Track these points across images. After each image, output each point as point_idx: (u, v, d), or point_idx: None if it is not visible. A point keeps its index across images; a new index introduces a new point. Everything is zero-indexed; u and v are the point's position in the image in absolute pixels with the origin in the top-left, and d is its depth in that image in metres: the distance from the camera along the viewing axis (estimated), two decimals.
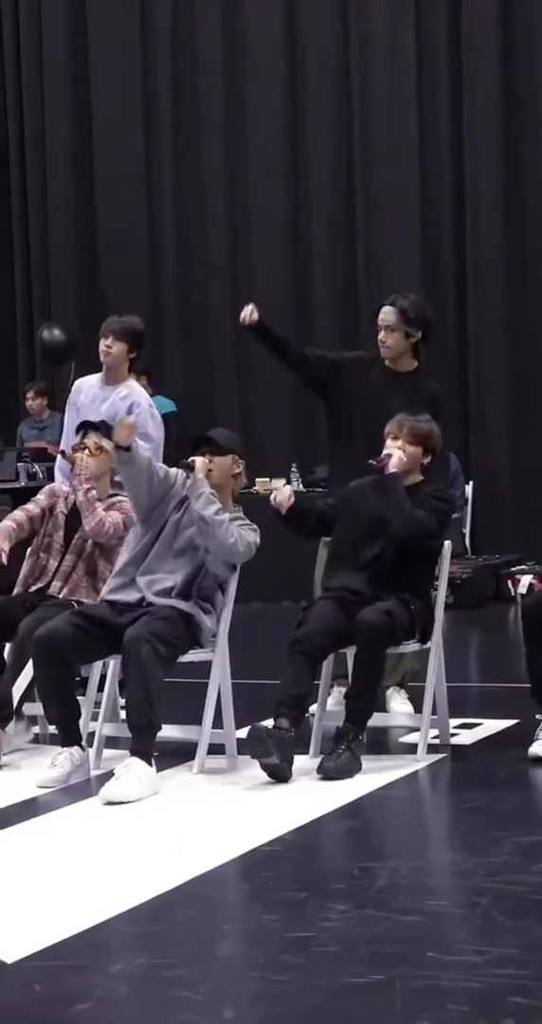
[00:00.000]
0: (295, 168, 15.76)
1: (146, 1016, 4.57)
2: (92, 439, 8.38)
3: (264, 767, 7.18)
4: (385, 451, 7.70)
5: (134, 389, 9.38)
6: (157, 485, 7.71)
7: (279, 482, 7.60)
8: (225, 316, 15.90)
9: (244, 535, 7.58)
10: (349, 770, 7.29)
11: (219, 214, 16.02)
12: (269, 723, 7.28)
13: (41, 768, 7.52)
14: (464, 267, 15.13)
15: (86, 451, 8.34)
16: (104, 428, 8.46)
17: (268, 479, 14.03)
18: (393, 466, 7.64)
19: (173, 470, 7.81)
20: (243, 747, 7.58)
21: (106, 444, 8.29)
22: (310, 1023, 4.39)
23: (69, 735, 7.53)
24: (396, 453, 7.67)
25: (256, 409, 15.72)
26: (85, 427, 8.52)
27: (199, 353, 15.95)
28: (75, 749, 7.50)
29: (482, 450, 14.75)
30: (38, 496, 8.69)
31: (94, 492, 8.28)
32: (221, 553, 7.53)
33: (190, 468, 7.65)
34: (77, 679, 7.84)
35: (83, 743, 7.60)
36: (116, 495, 8.44)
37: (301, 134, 15.76)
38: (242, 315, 8.52)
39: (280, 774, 7.17)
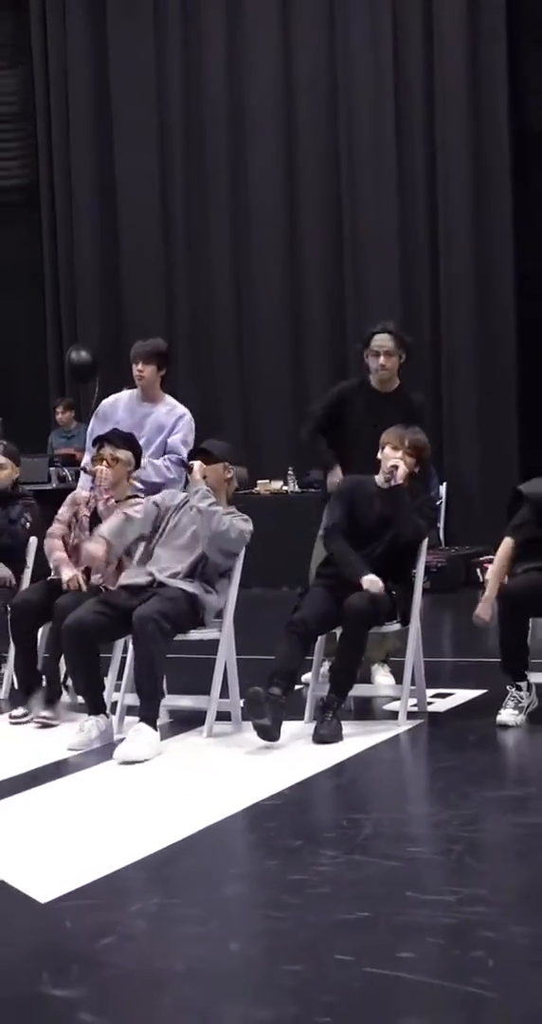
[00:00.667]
0: (290, 217, 15.76)
1: (162, 949, 4.57)
2: (107, 451, 8.36)
3: (256, 727, 7.18)
4: (390, 463, 7.65)
5: (175, 405, 9.23)
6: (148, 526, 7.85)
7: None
8: (229, 341, 15.96)
9: (236, 523, 7.62)
10: (337, 734, 7.31)
11: (225, 256, 16.02)
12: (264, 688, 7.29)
13: (71, 733, 7.53)
14: (438, 295, 15.14)
15: (104, 463, 8.32)
16: (117, 438, 8.45)
17: (268, 480, 14.06)
18: (400, 477, 7.62)
19: (151, 507, 7.87)
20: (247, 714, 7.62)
21: (120, 454, 8.30)
22: (306, 955, 4.39)
23: (95, 705, 7.55)
24: (401, 465, 7.65)
25: (257, 419, 15.73)
26: (100, 441, 8.51)
27: (207, 372, 15.94)
28: (100, 717, 7.52)
29: (454, 455, 14.76)
30: (61, 510, 8.58)
31: (113, 500, 8.27)
32: (216, 539, 7.55)
33: (189, 470, 7.75)
34: None
35: (107, 712, 7.61)
36: (134, 496, 8.42)
37: (295, 189, 15.75)
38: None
39: (269, 734, 7.16)
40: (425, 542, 7.98)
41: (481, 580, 13.36)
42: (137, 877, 5.27)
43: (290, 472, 14.13)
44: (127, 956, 4.49)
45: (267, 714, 7.14)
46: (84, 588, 8.08)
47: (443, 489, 14.47)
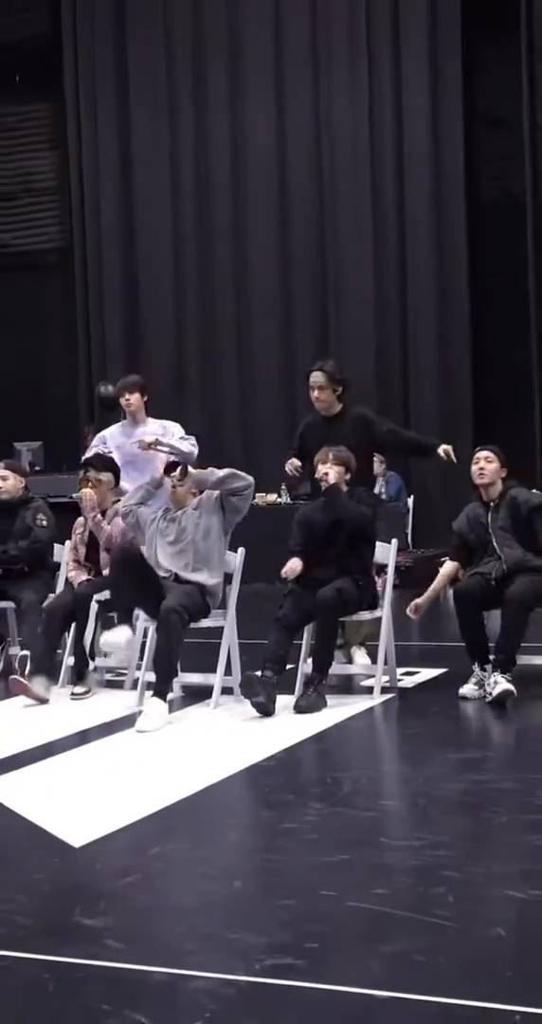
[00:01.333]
0: (282, 269, 15.80)
1: (177, 886, 4.57)
2: (92, 474, 8.41)
3: (253, 704, 7.19)
4: (321, 472, 7.73)
5: (162, 424, 9.19)
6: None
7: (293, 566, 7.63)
8: (232, 377, 15.97)
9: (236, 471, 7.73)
10: (316, 706, 7.30)
11: (229, 304, 16.03)
12: (258, 672, 7.30)
13: (114, 702, 7.65)
14: (406, 331, 15.20)
15: (89, 484, 8.35)
16: (98, 462, 8.51)
17: (265, 493, 14.05)
18: (332, 479, 7.68)
19: (145, 511, 7.89)
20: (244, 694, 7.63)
21: (102, 476, 8.35)
22: (297, 890, 4.39)
23: (128, 615, 7.66)
24: (330, 472, 7.69)
25: (255, 443, 15.71)
26: (85, 465, 8.56)
27: (213, 402, 15.94)
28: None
29: (419, 471, 14.77)
30: (73, 540, 8.68)
31: (99, 516, 8.27)
32: (244, 487, 7.65)
33: (184, 473, 7.77)
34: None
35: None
36: (116, 500, 8.44)
37: (287, 245, 15.79)
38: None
39: (265, 710, 7.17)
40: (395, 544, 7.98)
41: None
42: (155, 826, 5.27)
43: (283, 487, 14.14)
44: (147, 892, 4.49)
45: (261, 693, 7.16)
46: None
47: (410, 500, 14.51)
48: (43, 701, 7.86)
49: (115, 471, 8.55)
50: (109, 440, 9.25)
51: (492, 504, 7.73)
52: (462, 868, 4.50)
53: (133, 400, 9.16)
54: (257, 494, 13.94)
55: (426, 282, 15.07)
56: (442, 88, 14.98)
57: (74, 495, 8.96)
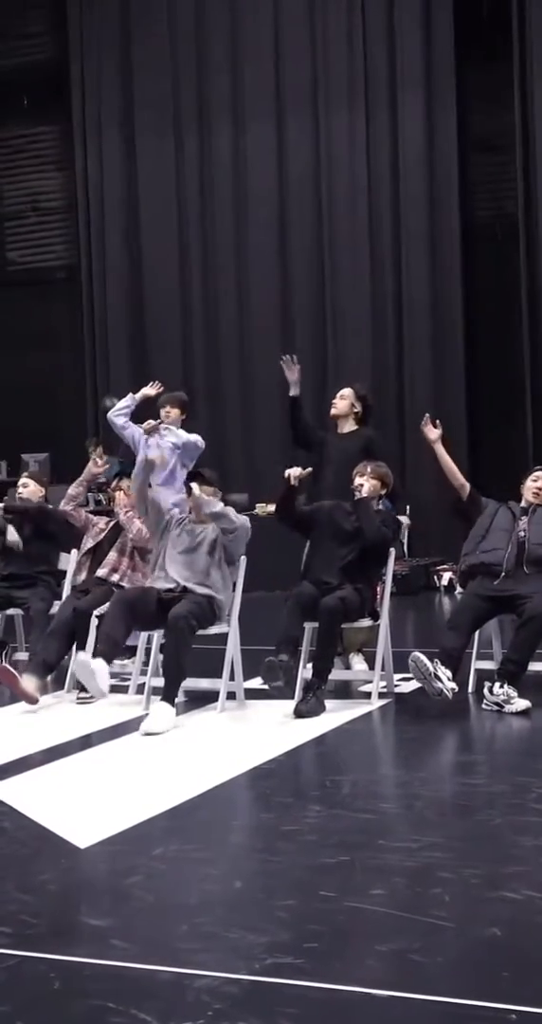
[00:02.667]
0: (283, 292, 15.82)
1: (179, 886, 4.54)
2: (125, 483, 8.67)
3: (273, 689, 7.18)
4: (357, 482, 7.78)
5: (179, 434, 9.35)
6: (156, 511, 7.88)
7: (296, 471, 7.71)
8: (235, 393, 15.98)
9: (237, 516, 7.73)
10: (316, 711, 7.28)
11: (232, 324, 16.05)
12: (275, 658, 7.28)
13: (114, 706, 7.57)
14: (402, 355, 15.20)
15: (122, 492, 8.56)
16: (131, 471, 8.61)
17: (265, 504, 14.05)
18: (365, 492, 7.70)
19: (176, 511, 7.98)
20: (250, 694, 7.67)
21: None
22: (295, 891, 4.37)
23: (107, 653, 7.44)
24: (365, 484, 7.73)
25: (256, 456, 15.73)
26: (119, 475, 8.75)
27: (217, 418, 15.94)
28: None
29: (415, 483, 14.75)
30: (94, 525, 8.79)
31: (131, 512, 8.42)
32: (241, 532, 7.65)
33: (189, 491, 7.80)
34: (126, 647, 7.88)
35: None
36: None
37: (287, 270, 15.81)
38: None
39: (286, 694, 7.21)
40: (392, 553, 7.98)
41: (437, 585, 13.40)
42: (158, 827, 5.25)
43: None
44: (150, 891, 4.46)
45: (281, 677, 7.16)
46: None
47: (407, 510, 14.51)
48: (30, 700, 7.78)
49: None
50: (144, 438, 9.29)
51: (531, 509, 7.76)
52: (458, 869, 4.48)
53: (173, 415, 9.27)
54: (257, 504, 14.03)
55: (421, 303, 15.10)
56: (436, 113, 15.01)
57: (105, 493, 9.27)
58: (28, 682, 7.82)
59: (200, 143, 16.23)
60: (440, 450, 8.08)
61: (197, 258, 16.29)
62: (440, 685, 7.12)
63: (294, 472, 7.66)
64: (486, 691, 7.27)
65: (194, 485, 7.78)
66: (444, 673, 7.16)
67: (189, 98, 16.27)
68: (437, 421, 8.18)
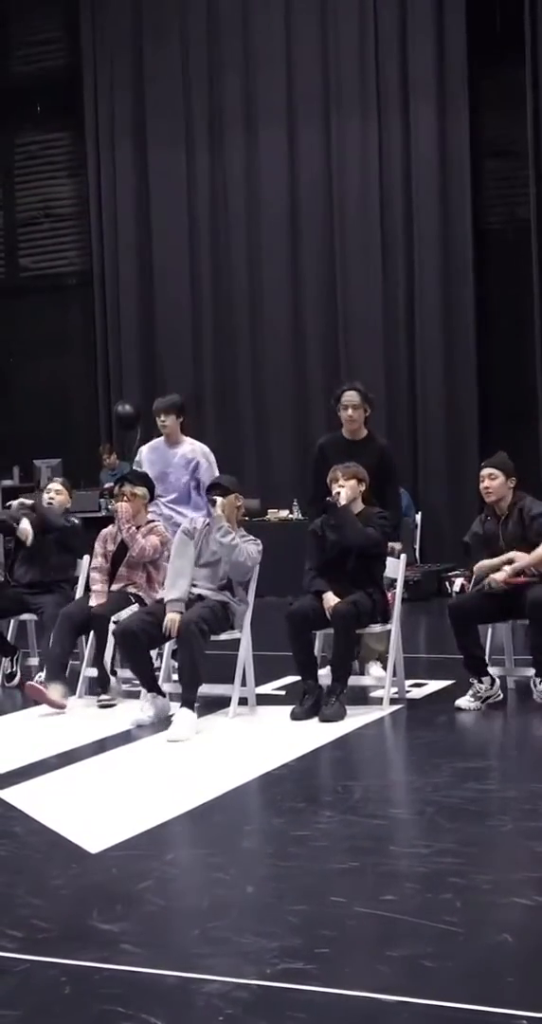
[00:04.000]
0: (294, 298, 15.78)
1: (191, 890, 4.55)
2: (127, 488, 8.39)
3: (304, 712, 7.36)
4: (334, 490, 7.69)
5: (195, 447, 9.26)
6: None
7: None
8: (247, 399, 15.95)
9: (248, 549, 7.65)
10: (340, 715, 7.30)
11: (244, 329, 15.99)
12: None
13: (134, 710, 7.58)
14: (414, 358, 15.19)
15: (124, 498, 8.34)
16: (135, 477, 8.51)
17: (277, 510, 14.06)
18: (343, 499, 7.64)
19: (200, 521, 7.91)
20: (262, 699, 7.72)
21: (138, 490, 8.33)
22: (307, 896, 4.37)
23: (150, 687, 7.59)
24: (342, 490, 7.65)
25: (268, 461, 15.71)
26: (121, 480, 8.55)
27: (229, 423, 15.92)
28: (157, 696, 7.58)
29: (427, 489, 14.76)
30: (96, 547, 8.54)
31: (134, 528, 8.24)
32: (236, 567, 7.62)
33: (213, 503, 7.75)
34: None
35: (162, 692, 7.65)
36: (151, 521, 8.44)
37: (299, 276, 15.77)
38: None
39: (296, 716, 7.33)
40: (404, 559, 7.97)
41: (449, 591, 13.40)
42: (170, 832, 5.26)
43: (295, 503, 14.14)
44: (162, 896, 4.47)
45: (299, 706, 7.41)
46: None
47: (418, 517, 14.49)
48: (60, 707, 7.82)
49: (150, 487, 8.53)
50: (144, 455, 9.26)
51: (503, 517, 7.71)
52: (469, 875, 4.48)
53: (169, 422, 9.14)
54: (269, 510, 14.03)
55: (433, 307, 15.06)
56: (448, 118, 14.96)
57: (109, 506, 8.97)
58: (54, 691, 7.85)
59: (212, 150, 16.23)
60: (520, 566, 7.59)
61: (209, 264, 16.29)
62: None
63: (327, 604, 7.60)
64: (532, 684, 7.47)
65: (218, 499, 7.76)
66: None
67: (201, 105, 16.28)
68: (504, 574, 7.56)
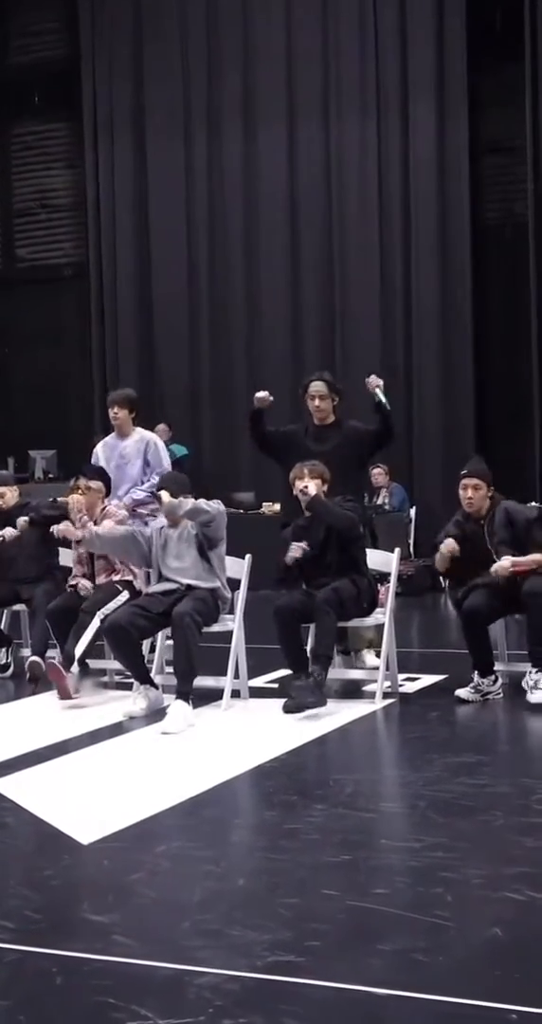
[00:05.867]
0: (293, 293, 15.80)
1: (182, 883, 4.54)
2: (82, 482, 8.40)
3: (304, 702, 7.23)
4: (298, 488, 7.62)
5: (143, 434, 9.37)
6: (133, 546, 7.81)
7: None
8: (242, 394, 15.84)
9: (212, 504, 7.70)
10: (309, 694, 7.17)
11: (240, 323, 16.02)
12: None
13: (125, 703, 7.54)
14: (411, 355, 15.20)
15: (79, 491, 8.33)
16: (90, 471, 8.53)
17: (271, 503, 14.06)
18: (312, 491, 7.60)
19: (147, 530, 7.97)
20: (255, 692, 7.70)
21: (93, 484, 8.34)
22: (298, 890, 4.36)
23: (143, 678, 7.57)
24: (309, 486, 7.60)
25: (263, 456, 15.65)
26: (77, 474, 8.55)
27: (224, 418, 15.93)
28: (149, 687, 7.55)
29: (422, 485, 14.78)
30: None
31: (85, 518, 8.16)
32: (202, 519, 7.59)
33: (159, 499, 7.77)
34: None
35: (155, 683, 7.62)
36: (105, 507, 8.44)
37: (297, 271, 15.79)
38: (259, 396, 8.44)
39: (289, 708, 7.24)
40: (398, 554, 7.97)
41: (443, 586, 13.38)
42: (161, 824, 5.25)
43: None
44: (153, 888, 4.47)
45: (291, 696, 7.29)
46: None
47: (413, 512, 14.51)
48: (68, 698, 7.76)
49: (106, 480, 8.59)
50: (100, 451, 9.32)
51: (483, 522, 7.70)
52: (460, 869, 4.47)
53: (121, 415, 9.26)
54: (263, 503, 14.02)
55: (431, 303, 15.08)
56: (447, 116, 14.97)
57: (60, 499, 8.95)
58: (71, 680, 7.79)
59: (210, 143, 16.21)
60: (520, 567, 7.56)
61: (206, 257, 16.28)
62: None
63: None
64: (525, 684, 7.45)
65: (163, 493, 7.75)
66: None
67: (199, 99, 16.26)
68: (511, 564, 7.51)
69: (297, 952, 3.77)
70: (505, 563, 7.45)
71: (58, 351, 17.25)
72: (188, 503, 7.63)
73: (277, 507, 14.10)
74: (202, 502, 7.70)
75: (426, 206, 15.10)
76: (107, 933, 3.98)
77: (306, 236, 15.76)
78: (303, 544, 7.63)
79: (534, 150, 14.42)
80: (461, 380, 14.95)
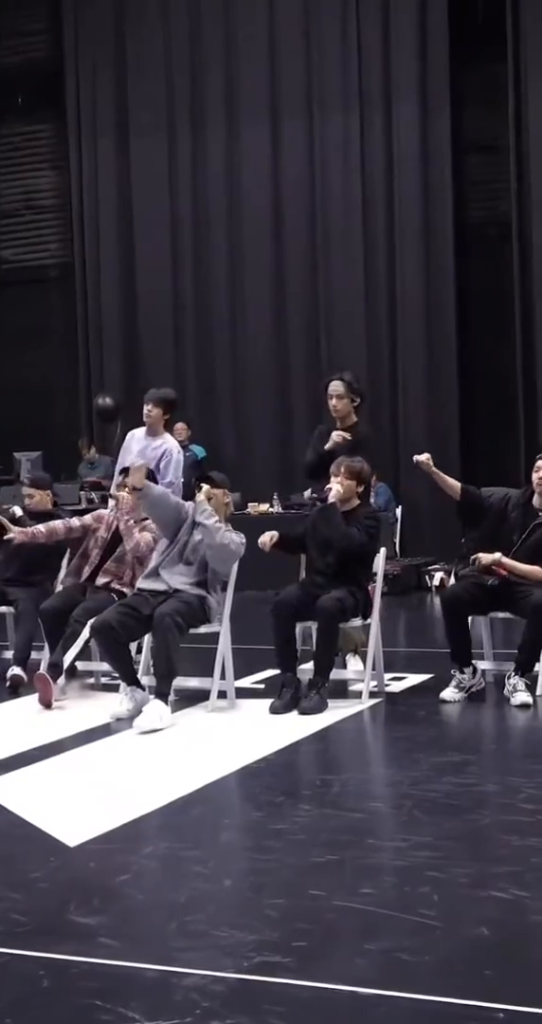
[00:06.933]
0: (276, 291, 15.85)
1: (169, 884, 4.54)
2: (131, 481, 8.35)
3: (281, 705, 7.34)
4: (328, 486, 7.67)
5: (168, 441, 9.40)
6: (171, 511, 7.71)
7: (266, 536, 7.71)
8: (227, 393, 15.99)
9: (233, 536, 7.60)
10: (319, 708, 7.29)
11: (225, 323, 16.08)
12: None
13: (112, 704, 7.51)
14: (395, 354, 15.23)
15: (127, 489, 8.30)
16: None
17: (257, 503, 14.06)
18: (332, 497, 7.62)
19: (186, 503, 7.81)
20: (241, 693, 7.68)
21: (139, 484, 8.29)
22: (285, 890, 4.37)
23: (130, 680, 7.53)
24: (335, 487, 7.63)
25: (249, 455, 15.76)
26: (125, 471, 8.49)
27: (210, 417, 15.95)
28: (135, 688, 7.51)
29: (408, 484, 14.78)
30: (86, 517, 8.61)
31: (132, 521, 8.21)
32: (218, 550, 7.53)
33: (198, 489, 7.70)
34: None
35: (142, 685, 7.58)
36: (146, 519, 8.40)
37: (280, 270, 15.85)
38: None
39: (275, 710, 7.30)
40: (383, 553, 7.96)
41: (429, 585, 13.41)
42: (149, 825, 5.25)
43: (275, 496, 14.16)
44: (140, 890, 4.46)
45: (277, 699, 7.39)
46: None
47: (399, 511, 14.53)
48: (48, 707, 7.74)
49: (154, 482, 8.47)
50: (132, 442, 9.33)
51: (536, 516, 7.69)
52: (447, 869, 4.48)
53: (154, 414, 9.32)
54: (249, 504, 14.03)
55: (415, 301, 15.12)
56: (431, 114, 15.03)
57: (112, 493, 8.93)
58: (56, 690, 7.76)
59: (194, 143, 16.23)
60: (436, 473, 7.86)
61: (190, 257, 16.30)
62: None
63: (264, 539, 7.64)
64: (507, 685, 7.46)
65: (204, 486, 7.73)
66: None
67: (183, 98, 16.27)
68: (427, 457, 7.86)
69: (284, 952, 3.78)
70: (495, 556, 7.47)
71: (43, 352, 17.23)
72: (210, 517, 7.54)
73: (263, 507, 14.12)
74: (226, 533, 7.55)
75: (410, 204, 15.14)
76: (94, 935, 3.98)
77: (290, 234, 15.79)
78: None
79: (517, 149, 14.46)
80: (446, 378, 15.00)
